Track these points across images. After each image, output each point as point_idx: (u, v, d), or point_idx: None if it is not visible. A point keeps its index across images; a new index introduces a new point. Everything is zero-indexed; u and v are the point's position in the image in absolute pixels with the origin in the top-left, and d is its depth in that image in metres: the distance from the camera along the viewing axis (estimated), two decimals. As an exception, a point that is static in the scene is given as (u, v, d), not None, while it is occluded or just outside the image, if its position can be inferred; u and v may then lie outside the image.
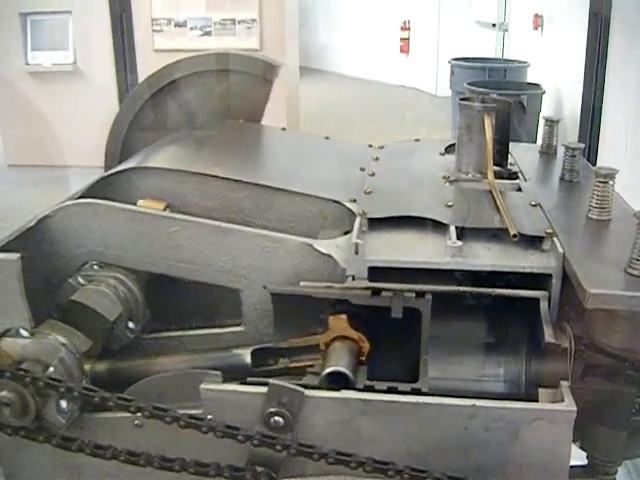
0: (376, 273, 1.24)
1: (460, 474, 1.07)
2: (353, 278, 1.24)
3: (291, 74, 8.04)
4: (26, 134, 7.75)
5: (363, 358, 1.19)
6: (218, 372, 1.18)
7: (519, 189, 1.53)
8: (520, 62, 6.59)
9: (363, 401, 1.10)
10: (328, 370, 1.12)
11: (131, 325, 1.40)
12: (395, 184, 1.58)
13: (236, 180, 1.55)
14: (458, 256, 1.23)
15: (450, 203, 1.42)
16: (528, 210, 1.40)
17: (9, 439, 1.19)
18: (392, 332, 1.21)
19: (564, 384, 1.10)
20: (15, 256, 1.19)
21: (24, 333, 1.22)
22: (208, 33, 7.85)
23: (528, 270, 1.20)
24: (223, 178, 1.57)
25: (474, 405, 1.07)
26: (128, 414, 1.14)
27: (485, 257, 1.24)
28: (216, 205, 1.57)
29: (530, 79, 6.36)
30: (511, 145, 1.71)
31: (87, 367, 1.29)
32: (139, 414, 1.11)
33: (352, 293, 1.20)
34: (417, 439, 1.10)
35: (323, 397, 1.11)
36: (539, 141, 1.89)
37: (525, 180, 1.59)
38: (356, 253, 1.24)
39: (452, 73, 6.82)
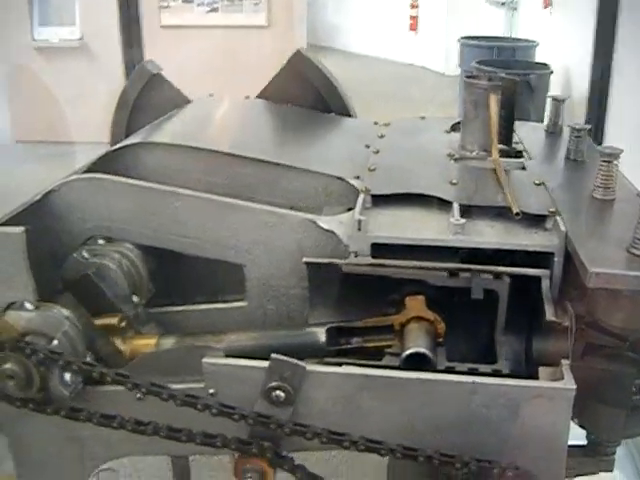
0: (379, 250, 1.24)
1: (459, 451, 1.08)
2: (356, 255, 1.25)
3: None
4: (33, 110, 7.75)
5: (440, 340, 1.19)
6: (219, 346, 1.18)
7: (523, 168, 1.53)
8: (529, 41, 6.54)
9: (364, 376, 1.10)
10: (409, 351, 1.12)
11: (135, 299, 1.41)
12: (399, 161, 1.58)
13: (240, 156, 1.55)
14: (461, 234, 1.23)
15: (454, 181, 1.42)
16: (532, 189, 1.40)
17: (11, 410, 1.21)
18: (462, 313, 1.22)
19: (564, 362, 1.10)
20: (19, 229, 1.20)
21: (29, 306, 1.23)
22: (215, 9, 7.81)
23: (530, 248, 1.20)
24: (227, 154, 1.57)
25: (474, 382, 1.07)
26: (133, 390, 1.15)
27: (488, 235, 1.24)
28: (221, 181, 1.57)
29: (539, 59, 6.32)
30: (517, 124, 1.71)
31: (124, 347, 1.30)
32: (136, 390, 1.12)
33: (431, 274, 1.20)
34: (418, 415, 1.11)
35: (325, 372, 1.12)
36: (546, 120, 1.88)
37: (530, 159, 1.59)
38: (359, 229, 1.24)
39: (461, 52, 6.78)
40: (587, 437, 1.27)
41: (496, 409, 1.08)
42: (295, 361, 1.11)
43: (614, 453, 1.26)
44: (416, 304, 1.16)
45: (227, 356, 1.18)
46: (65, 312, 1.23)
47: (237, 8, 7.76)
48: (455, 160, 1.56)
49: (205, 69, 6.70)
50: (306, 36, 8.46)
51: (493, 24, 8.39)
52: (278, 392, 1.11)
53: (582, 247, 1.14)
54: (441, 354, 1.16)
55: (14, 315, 1.22)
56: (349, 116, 2.03)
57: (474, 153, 1.57)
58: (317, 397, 1.13)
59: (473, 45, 6.55)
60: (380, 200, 1.36)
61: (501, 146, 1.59)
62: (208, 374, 1.15)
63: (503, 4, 8.06)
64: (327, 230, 1.29)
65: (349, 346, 1.22)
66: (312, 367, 1.12)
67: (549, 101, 1.84)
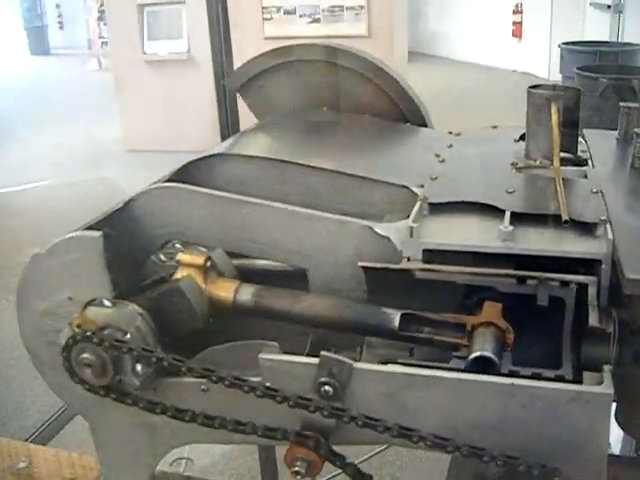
0: (433, 256, 1.30)
1: (500, 452, 1.12)
2: (408, 259, 1.30)
3: (399, 60, 8.04)
4: (144, 121, 8.13)
5: (507, 348, 1.22)
6: (275, 343, 1.27)
7: (585, 176, 1.55)
8: (633, 45, 6.35)
9: (407, 375, 1.16)
10: (475, 354, 1.17)
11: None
12: (462, 170, 1.62)
13: (310, 166, 1.64)
14: (509, 240, 1.27)
15: (511, 189, 1.45)
16: (588, 197, 1.42)
17: (89, 397, 1.33)
18: (528, 318, 1.25)
19: (606, 368, 1.12)
20: (97, 233, 1.32)
21: (107, 303, 1.35)
22: (317, 20, 7.98)
23: (577, 255, 1.23)
24: (298, 164, 1.66)
25: (512, 384, 1.11)
26: (194, 379, 1.25)
27: (536, 242, 1.27)
28: (292, 190, 1.66)
29: (646, 63, 6.14)
30: (588, 132, 1.72)
31: (205, 286, 1.39)
32: (203, 379, 1.21)
33: (499, 280, 1.24)
34: (457, 415, 1.15)
35: (370, 370, 1.18)
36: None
37: (593, 167, 1.60)
38: (411, 236, 1.30)
39: (562, 57, 6.66)
40: (637, 447, 1.27)
41: (534, 411, 1.11)
42: (342, 358, 1.18)
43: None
44: (493, 310, 1.20)
45: (302, 322, 1.27)
46: (139, 309, 1.34)
47: (338, 18, 7.90)
48: (517, 169, 1.59)
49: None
50: (407, 44, 8.51)
51: (598, 28, 8.17)
52: (327, 387, 1.18)
53: (625, 254, 1.16)
54: (507, 358, 1.20)
55: (94, 310, 1.34)
56: (425, 126, 2.09)
57: (537, 162, 1.60)
58: (364, 393, 1.19)
59: (574, 50, 6.43)
60: (437, 208, 1.41)
61: (565, 154, 1.61)
62: (264, 369, 1.23)
63: (609, 7, 7.84)
64: (383, 236, 1.35)
65: (419, 335, 1.26)
66: (358, 364, 1.18)
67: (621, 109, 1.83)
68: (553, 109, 1.55)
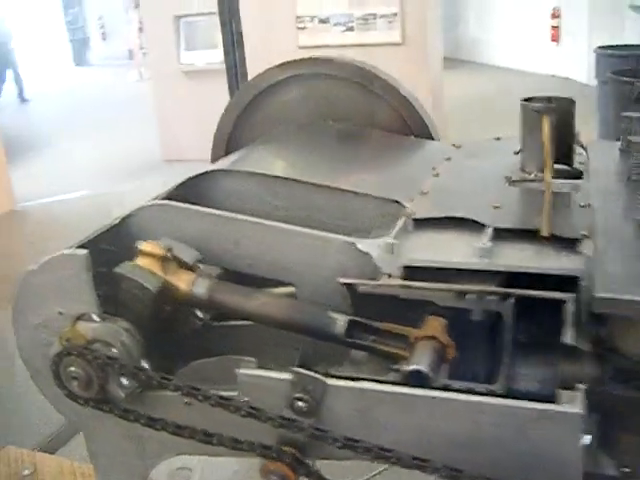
0: (414, 272, 1.30)
1: (471, 469, 1.11)
2: (389, 276, 1.31)
3: (434, 67, 8.02)
4: (180, 130, 8.24)
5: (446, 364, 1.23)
6: (253, 359, 1.28)
7: (578, 189, 1.53)
8: (671, 49, 6.24)
9: (377, 392, 1.16)
10: (409, 368, 1.17)
11: (199, 313, 1.54)
12: (454, 184, 1.62)
13: (302, 181, 1.66)
14: (486, 257, 1.26)
15: (498, 204, 1.45)
16: (576, 211, 1.41)
17: (85, 410, 1.36)
18: (469, 334, 1.25)
19: (580, 387, 1.11)
20: (84, 252, 1.36)
21: (95, 318, 1.38)
22: (351, 28, 8.00)
23: (553, 272, 1.22)
24: (291, 179, 1.67)
25: (481, 402, 1.11)
26: (177, 393, 1.27)
27: (514, 258, 1.27)
28: (286, 205, 1.68)
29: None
30: (592, 143, 1.70)
31: (161, 273, 1.40)
32: (178, 393, 1.24)
33: (438, 295, 1.25)
34: (429, 432, 1.15)
35: (343, 386, 1.19)
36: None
37: (589, 179, 1.58)
38: (390, 252, 1.31)
39: (597, 62, 6.57)
40: (616, 468, 1.25)
41: (505, 430, 1.11)
42: (316, 375, 1.19)
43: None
44: (436, 324, 1.20)
45: (253, 319, 1.30)
46: (125, 324, 1.37)
47: (371, 26, 7.90)
48: (510, 183, 1.58)
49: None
50: (442, 51, 8.47)
51: (638, 31, 8.04)
52: (301, 403, 1.20)
53: (598, 271, 1.14)
54: (443, 372, 1.20)
55: (83, 325, 1.38)
56: (430, 138, 2.09)
57: (531, 175, 1.59)
58: (337, 409, 1.20)
59: (609, 54, 6.33)
60: (421, 224, 1.42)
61: (561, 167, 1.60)
62: (242, 384, 1.25)
63: (648, 10, 7.70)
64: (364, 252, 1.36)
65: (363, 342, 1.27)
66: (331, 381, 1.19)
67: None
68: (545, 122, 1.55)
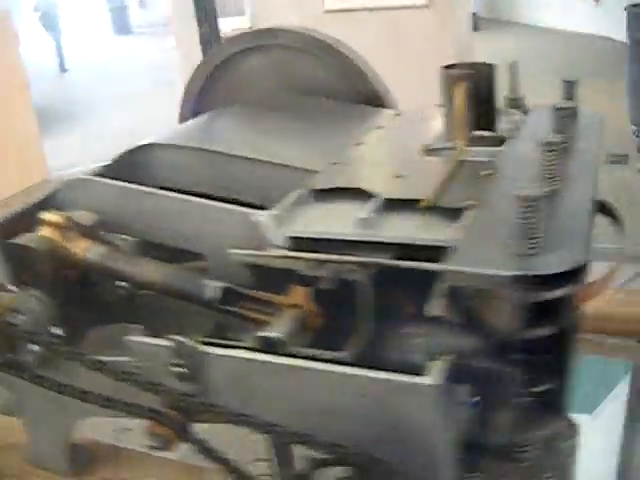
0: (299, 243, 1.31)
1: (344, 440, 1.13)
2: (276, 247, 1.33)
3: (462, 29, 7.87)
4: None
5: (310, 331, 1.25)
6: (141, 326, 1.33)
7: (493, 157, 1.51)
8: None
9: (247, 360, 1.19)
10: (261, 334, 1.21)
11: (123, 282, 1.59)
12: (370, 155, 1.63)
13: (227, 154, 1.68)
14: (368, 228, 1.27)
15: (399, 174, 1.45)
16: (473, 180, 1.40)
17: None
18: (336, 303, 1.26)
19: (444, 358, 1.11)
20: None
21: (11, 288, 1.46)
22: (377, -9, 7.87)
23: (425, 243, 1.22)
24: (218, 152, 1.70)
25: (345, 373, 1.12)
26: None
27: (393, 229, 1.27)
28: (215, 176, 1.71)
29: None
30: (535, 108, 1.69)
31: (78, 251, 1.48)
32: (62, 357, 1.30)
33: (303, 264, 1.26)
34: (298, 401, 1.18)
35: (218, 354, 1.23)
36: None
37: (510, 146, 1.56)
38: (276, 224, 1.33)
39: (628, 20, 6.37)
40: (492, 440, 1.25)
41: (368, 400, 1.12)
42: (191, 342, 1.23)
43: (527, 459, 1.23)
44: (300, 293, 1.23)
45: (135, 285, 1.36)
46: (36, 292, 1.43)
47: (396, -13, 7.76)
48: (426, 152, 1.58)
49: (368, 52, 6.82)
50: (470, 13, 8.30)
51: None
52: (180, 369, 1.24)
53: (462, 243, 1.15)
54: (300, 340, 1.22)
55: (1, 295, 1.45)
56: (382, 106, 2.08)
57: (449, 144, 1.58)
58: (215, 376, 1.24)
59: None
60: (321, 194, 1.43)
61: (485, 133, 1.59)
62: (128, 350, 1.30)
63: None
64: (256, 223, 1.38)
65: (234, 309, 1.32)
66: (207, 349, 1.23)
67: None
68: (457, 90, 1.54)
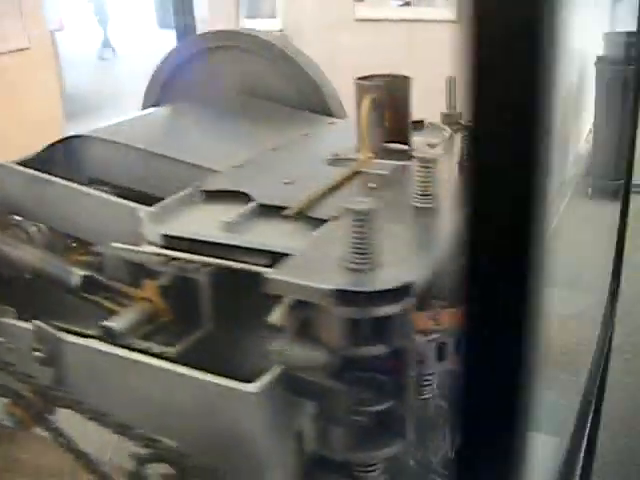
0: (171, 241, 1.33)
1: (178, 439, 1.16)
2: (149, 244, 1.36)
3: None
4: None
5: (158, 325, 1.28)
6: (12, 308, 1.38)
7: (394, 170, 1.51)
8: None
9: (89, 348, 1.23)
10: (104, 323, 1.24)
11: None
12: (275, 160, 1.64)
13: (149, 151, 1.71)
14: (230, 231, 1.29)
15: (291, 181, 1.46)
16: (360, 192, 1.41)
17: None
18: (183, 301, 1.28)
19: (276, 368, 1.11)
20: None
21: None
22: (408, 3, 7.88)
23: (272, 249, 1.22)
24: (142, 150, 1.74)
25: (173, 370, 1.14)
26: None
27: (253, 234, 1.28)
28: (138, 173, 1.74)
29: None
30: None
31: None
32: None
33: (156, 260, 1.29)
34: (131, 392, 1.21)
35: (70, 341, 1.26)
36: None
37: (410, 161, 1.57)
38: (153, 221, 1.36)
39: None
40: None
41: (194, 401, 1.14)
42: (49, 328, 1.27)
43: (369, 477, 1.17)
44: (151, 287, 1.25)
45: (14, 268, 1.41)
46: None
47: (429, 2, 7.77)
48: (329, 162, 1.59)
49: (392, 62, 6.81)
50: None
51: None
52: (39, 354, 1.28)
53: (301, 253, 1.15)
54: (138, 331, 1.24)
55: None
56: (328, 114, 2.09)
57: (352, 155, 1.59)
58: (71, 365, 1.28)
59: None
60: (209, 195, 1.45)
61: (393, 146, 1.59)
62: (3, 331, 1.35)
63: None
64: (139, 219, 1.41)
65: (92, 298, 1.35)
66: (64, 336, 1.27)
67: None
68: (364, 100, 1.55)
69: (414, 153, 1.34)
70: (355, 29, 7.39)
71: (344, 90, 1.94)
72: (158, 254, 1.27)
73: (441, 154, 1.38)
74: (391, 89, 1.58)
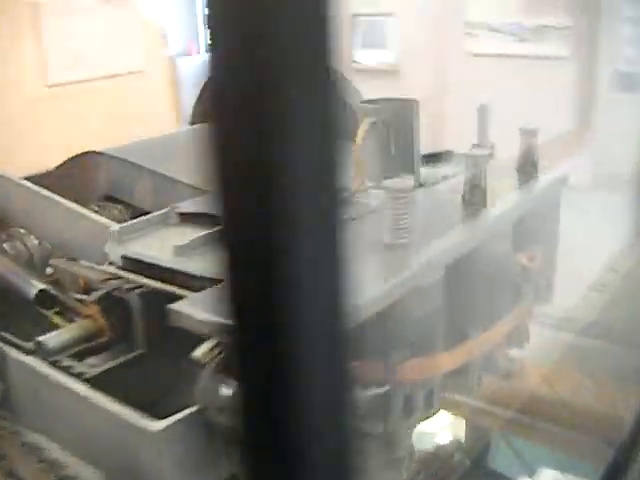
0: (129, 263, 1.28)
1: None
2: (111, 264, 1.31)
3: (603, 85, 7.41)
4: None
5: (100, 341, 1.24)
6: None
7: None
8: None
9: (22, 363, 1.19)
10: (38, 339, 1.21)
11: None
12: None
13: (147, 169, 1.68)
14: (178, 255, 1.23)
15: None
16: None
17: None
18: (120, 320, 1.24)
19: (189, 407, 1.04)
20: None
21: None
22: (523, 39, 7.69)
23: (192, 272, 1.17)
24: (142, 167, 1.70)
25: (85, 397, 1.08)
26: None
27: (203, 260, 1.21)
28: (138, 187, 1.71)
29: None
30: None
31: None
32: None
33: (97, 277, 1.26)
34: (60, 417, 1.16)
35: (11, 355, 1.23)
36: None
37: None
38: (113, 240, 1.31)
39: None
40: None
41: (115, 433, 1.08)
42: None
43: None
44: (91, 306, 1.20)
45: None
46: None
47: (542, 37, 7.53)
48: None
49: (502, 98, 6.60)
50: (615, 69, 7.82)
51: None
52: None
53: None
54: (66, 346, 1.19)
55: None
56: None
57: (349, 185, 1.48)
58: (18, 380, 1.24)
59: None
60: (184, 216, 1.39)
61: (400, 178, 1.47)
62: None
63: None
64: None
65: (45, 311, 1.33)
66: (9, 351, 1.23)
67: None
68: (362, 127, 1.44)
69: (387, 183, 1.22)
70: (466, 63, 7.26)
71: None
72: (103, 272, 1.21)
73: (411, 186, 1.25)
74: (396, 114, 1.47)
